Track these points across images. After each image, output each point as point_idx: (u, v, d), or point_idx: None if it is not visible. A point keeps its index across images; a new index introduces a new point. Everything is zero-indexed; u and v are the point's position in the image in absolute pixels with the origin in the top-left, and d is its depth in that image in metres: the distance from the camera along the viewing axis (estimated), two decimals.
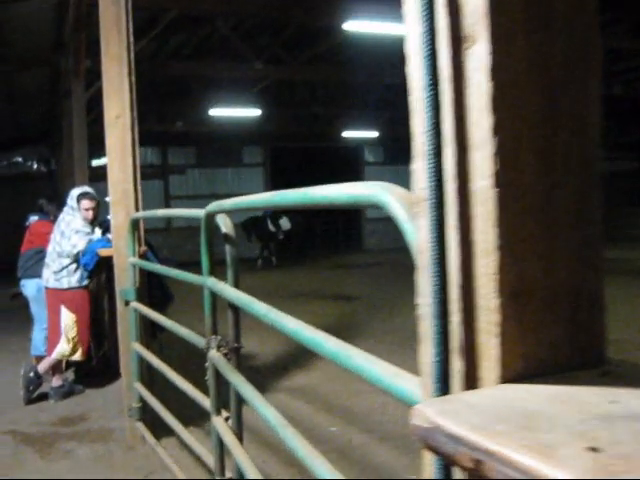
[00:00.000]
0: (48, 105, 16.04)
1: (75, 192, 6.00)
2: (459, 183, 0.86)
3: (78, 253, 5.79)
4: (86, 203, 5.93)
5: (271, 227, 18.74)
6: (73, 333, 5.87)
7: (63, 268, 5.86)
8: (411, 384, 1.05)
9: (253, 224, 18.46)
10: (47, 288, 6.01)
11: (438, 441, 0.69)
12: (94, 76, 10.04)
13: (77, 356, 5.97)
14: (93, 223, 6.08)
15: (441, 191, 0.86)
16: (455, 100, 0.87)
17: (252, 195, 1.98)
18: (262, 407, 2.03)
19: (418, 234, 0.97)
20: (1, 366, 7.17)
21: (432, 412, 0.71)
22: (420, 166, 0.93)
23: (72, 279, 5.90)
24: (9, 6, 8.89)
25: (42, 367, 5.91)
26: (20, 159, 22.03)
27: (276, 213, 18.65)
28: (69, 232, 5.83)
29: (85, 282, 5.98)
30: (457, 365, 0.89)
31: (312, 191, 1.39)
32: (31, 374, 5.84)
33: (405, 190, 1.11)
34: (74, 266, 5.88)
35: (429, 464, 0.92)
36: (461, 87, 0.86)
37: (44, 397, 5.98)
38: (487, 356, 0.85)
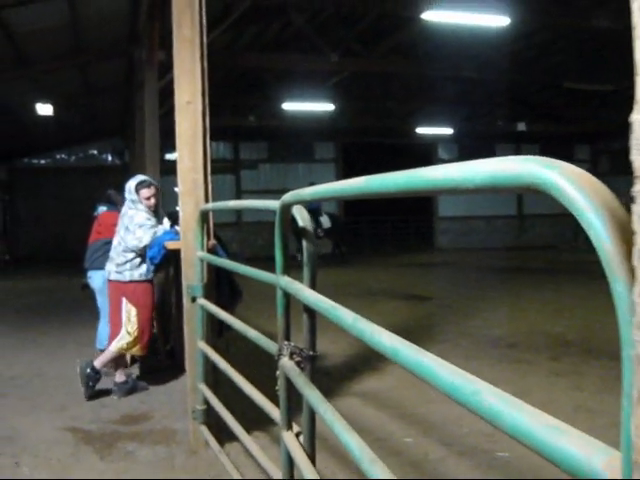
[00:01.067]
0: (123, 97, 16.16)
1: (132, 184, 5.75)
2: None
3: (145, 247, 5.60)
4: (145, 192, 5.71)
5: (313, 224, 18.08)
6: (133, 327, 5.67)
7: (127, 262, 5.69)
8: (598, 456, 0.71)
9: (294, 221, 17.76)
10: (109, 280, 5.84)
11: None
12: (168, 68, 9.96)
13: (135, 350, 5.76)
14: (157, 212, 5.87)
15: None
16: None
17: (336, 182, 1.67)
18: (345, 434, 1.71)
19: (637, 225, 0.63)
20: (67, 358, 7.07)
21: None
22: None
23: (135, 272, 5.71)
24: None
25: (100, 361, 5.73)
26: (95, 151, 22.37)
27: (316, 210, 17.99)
28: (133, 227, 5.62)
29: (149, 276, 5.79)
30: None
31: (429, 172, 1.06)
32: (88, 370, 5.66)
33: (575, 167, 0.78)
34: (138, 260, 5.70)
35: None
36: None
37: (107, 392, 5.82)
38: None
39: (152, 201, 5.74)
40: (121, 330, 5.68)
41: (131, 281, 5.71)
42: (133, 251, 5.66)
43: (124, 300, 5.69)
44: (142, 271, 5.73)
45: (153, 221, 5.71)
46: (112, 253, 5.83)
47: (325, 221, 18.54)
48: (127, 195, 5.77)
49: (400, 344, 1.28)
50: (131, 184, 5.75)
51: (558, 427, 0.80)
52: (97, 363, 5.71)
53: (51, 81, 13.09)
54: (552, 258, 19.64)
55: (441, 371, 1.08)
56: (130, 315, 5.67)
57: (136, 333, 5.68)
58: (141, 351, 5.82)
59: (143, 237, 5.58)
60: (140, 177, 5.91)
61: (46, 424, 5.03)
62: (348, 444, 1.66)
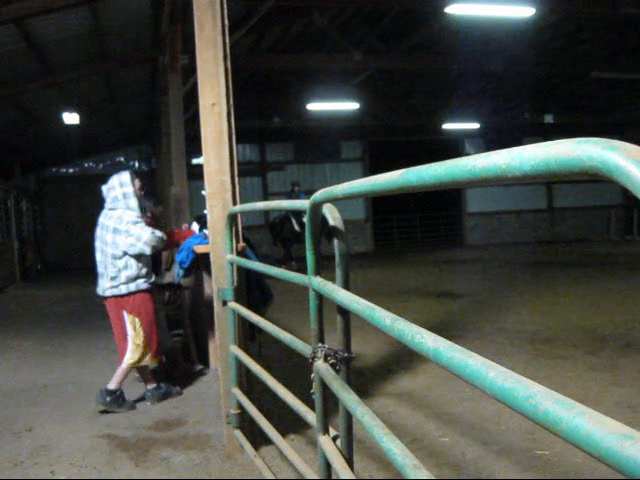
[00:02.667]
0: (148, 103, 16.23)
1: (124, 177, 5.50)
2: None
3: (146, 246, 5.40)
4: (137, 182, 5.56)
5: (296, 227, 16.51)
6: (140, 338, 5.54)
7: (120, 271, 5.44)
8: None
9: (282, 224, 16.72)
10: (105, 298, 5.60)
11: None
12: (191, 73, 9.97)
13: (148, 360, 5.65)
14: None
15: None
16: None
17: (370, 177, 1.61)
18: (385, 439, 1.64)
19: None
20: (99, 364, 7.09)
21: None
22: None
23: (131, 285, 5.49)
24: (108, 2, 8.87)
25: (115, 382, 5.58)
26: (122, 159, 22.52)
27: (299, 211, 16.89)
28: (125, 226, 5.37)
29: (144, 286, 5.57)
30: None
31: (472, 161, 0.99)
32: (107, 398, 5.51)
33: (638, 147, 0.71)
34: (132, 266, 5.47)
35: None
36: None
37: (139, 396, 5.84)
38: None
39: (141, 191, 5.60)
40: (128, 345, 5.56)
41: (129, 293, 5.50)
42: (126, 254, 5.44)
43: (125, 313, 5.53)
44: (139, 281, 5.54)
45: (141, 217, 5.55)
46: (100, 269, 5.57)
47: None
48: (119, 189, 5.48)
49: (444, 345, 1.21)
50: (123, 177, 5.52)
51: (627, 434, 0.73)
52: (112, 385, 5.58)
53: (76, 90, 13.18)
54: (585, 251, 19.36)
55: (490, 374, 1.01)
56: (135, 326, 5.53)
57: (144, 343, 5.56)
58: (153, 359, 5.71)
59: (142, 234, 5.37)
60: (125, 171, 5.70)
61: (81, 432, 5.03)
62: (389, 450, 1.59)
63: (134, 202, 5.49)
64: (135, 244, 5.37)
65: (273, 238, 17.30)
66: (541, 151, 0.83)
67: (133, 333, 5.53)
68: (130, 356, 5.57)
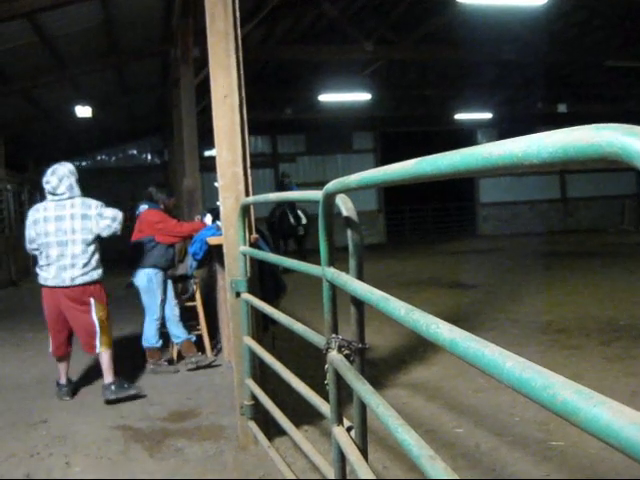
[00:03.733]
0: (160, 96, 16.25)
1: (70, 166, 5.55)
2: None
3: (119, 224, 5.49)
4: None
5: (292, 220, 15.85)
6: (105, 322, 5.55)
7: (91, 256, 5.42)
8: None
9: (281, 219, 16.08)
10: (71, 287, 5.43)
11: None
12: (203, 65, 9.97)
13: (108, 343, 5.62)
14: None
15: None
16: None
17: (384, 167, 1.60)
18: (400, 429, 1.63)
19: None
20: (117, 357, 7.10)
21: None
22: None
23: (100, 270, 5.54)
24: None
25: (110, 376, 5.56)
26: (134, 151, 22.56)
27: (294, 205, 15.81)
28: (95, 210, 5.41)
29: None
30: None
31: (487, 149, 0.98)
32: (113, 388, 5.51)
33: None
34: (99, 256, 5.51)
35: None
36: None
37: (153, 388, 5.85)
38: None
39: None
40: (96, 332, 5.53)
41: (99, 279, 5.53)
42: (98, 237, 5.47)
43: (92, 301, 5.49)
44: (101, 268, 5.58)
45: None
46: (63, 262, 5.40)
47: (302, 216, 15.96)
48: (72, 177, 5.50)
49: (460, 335, 1.21)
50: (69, 166, 5.57)
51: None
52: (109, 379, 5.56)
53: (88, 83, 13.21)
54: (599, 241, 19.24)
55: (507, 364, 1.01)
56: (101, 312, 5.52)
57: (108, 331, 5.61)
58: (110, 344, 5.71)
59: (117, 215, 5.47)
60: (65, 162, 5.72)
61: (96, 422, 5.06)
62: (404, 440, 1.59)
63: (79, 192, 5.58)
64: (111, 225, 5.45)
65: (272, 234, 16.95)
66: (559, 138, 0.82)
67: (102, 321, 5.53)
68: (103, 342, 5.55)
